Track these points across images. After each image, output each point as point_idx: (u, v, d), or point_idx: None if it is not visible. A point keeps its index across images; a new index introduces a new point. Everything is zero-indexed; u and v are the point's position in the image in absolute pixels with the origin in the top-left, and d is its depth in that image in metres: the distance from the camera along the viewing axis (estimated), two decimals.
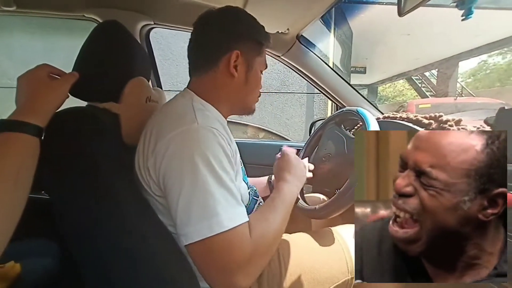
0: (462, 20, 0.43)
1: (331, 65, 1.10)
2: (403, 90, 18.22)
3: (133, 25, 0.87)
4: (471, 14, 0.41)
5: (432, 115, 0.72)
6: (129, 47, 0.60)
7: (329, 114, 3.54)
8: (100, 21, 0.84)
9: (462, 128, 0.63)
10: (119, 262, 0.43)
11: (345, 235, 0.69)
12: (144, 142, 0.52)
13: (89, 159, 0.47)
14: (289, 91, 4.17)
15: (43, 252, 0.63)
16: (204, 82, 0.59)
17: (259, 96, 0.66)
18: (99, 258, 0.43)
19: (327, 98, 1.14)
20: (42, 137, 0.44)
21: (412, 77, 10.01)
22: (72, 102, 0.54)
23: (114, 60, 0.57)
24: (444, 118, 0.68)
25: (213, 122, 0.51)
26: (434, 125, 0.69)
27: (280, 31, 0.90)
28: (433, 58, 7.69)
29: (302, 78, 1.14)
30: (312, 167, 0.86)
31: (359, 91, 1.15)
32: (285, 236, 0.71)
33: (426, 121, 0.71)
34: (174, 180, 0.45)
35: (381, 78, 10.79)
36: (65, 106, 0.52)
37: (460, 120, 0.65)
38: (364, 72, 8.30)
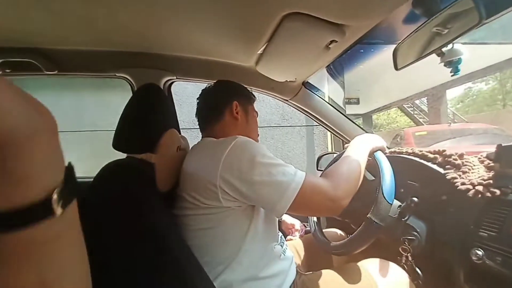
0: (452, 76, 0.52)
1: (327, 99, 1.21)
2: (396, 117, 18.82)
3: (158, 81, 0.97)
4: (458, 71, 0.51)
5: (437, 149, 0.78)
6: (164, 104, 0.69)
7: (329, 145, 3.64)
8: (129, 78, 0.95)
9: (465, 162, 0.69)
10: None
11: (371, 270, 0.69)
12: (195, 174, 0.62)
13: (135, 203, 0.51)
14: (288, 125, 4.32)
15: None
16: (217, 129, 0.75)
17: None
18: None
19: (326, 130, 1.25)
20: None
21: (404, 105, 10.45)
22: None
23: (153, 117, 0.64)
24: (448, 152, 0.74)
25: None
26: (439, 159, 0.75)
27: (288, 80, 1.01)
28: (421, 88, 8.14)
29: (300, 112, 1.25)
30: (298, 225, 1.05)
31: (355, 120, 1.24)
32: (311, 274, 0.71)
33: (431, 156, 0.77)
34: (250, 180, 0.56)
35: (374, 107, 11.25)
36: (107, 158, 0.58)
37: (462, 154, 0.72)
38: (358, 103, 8.68)
